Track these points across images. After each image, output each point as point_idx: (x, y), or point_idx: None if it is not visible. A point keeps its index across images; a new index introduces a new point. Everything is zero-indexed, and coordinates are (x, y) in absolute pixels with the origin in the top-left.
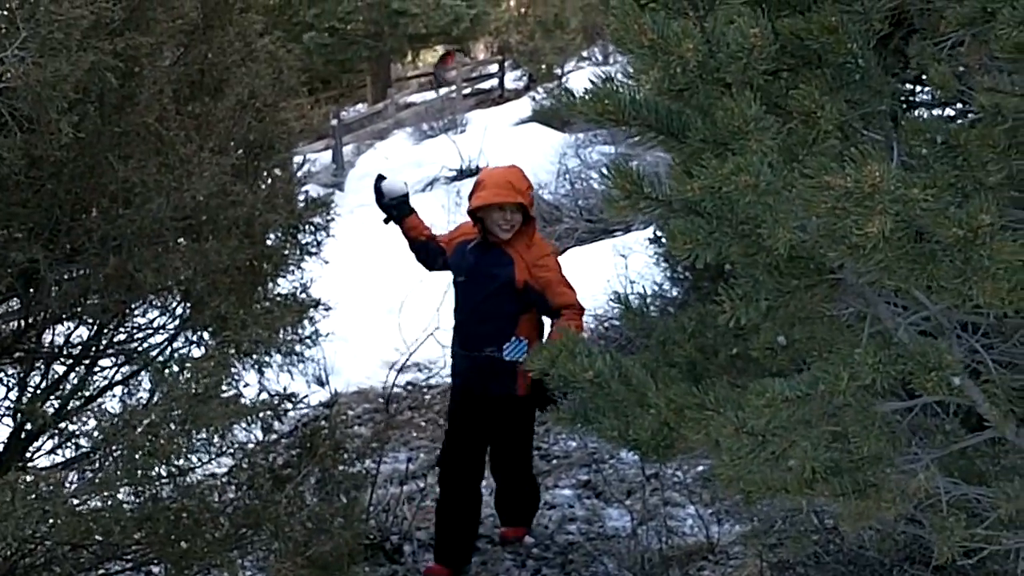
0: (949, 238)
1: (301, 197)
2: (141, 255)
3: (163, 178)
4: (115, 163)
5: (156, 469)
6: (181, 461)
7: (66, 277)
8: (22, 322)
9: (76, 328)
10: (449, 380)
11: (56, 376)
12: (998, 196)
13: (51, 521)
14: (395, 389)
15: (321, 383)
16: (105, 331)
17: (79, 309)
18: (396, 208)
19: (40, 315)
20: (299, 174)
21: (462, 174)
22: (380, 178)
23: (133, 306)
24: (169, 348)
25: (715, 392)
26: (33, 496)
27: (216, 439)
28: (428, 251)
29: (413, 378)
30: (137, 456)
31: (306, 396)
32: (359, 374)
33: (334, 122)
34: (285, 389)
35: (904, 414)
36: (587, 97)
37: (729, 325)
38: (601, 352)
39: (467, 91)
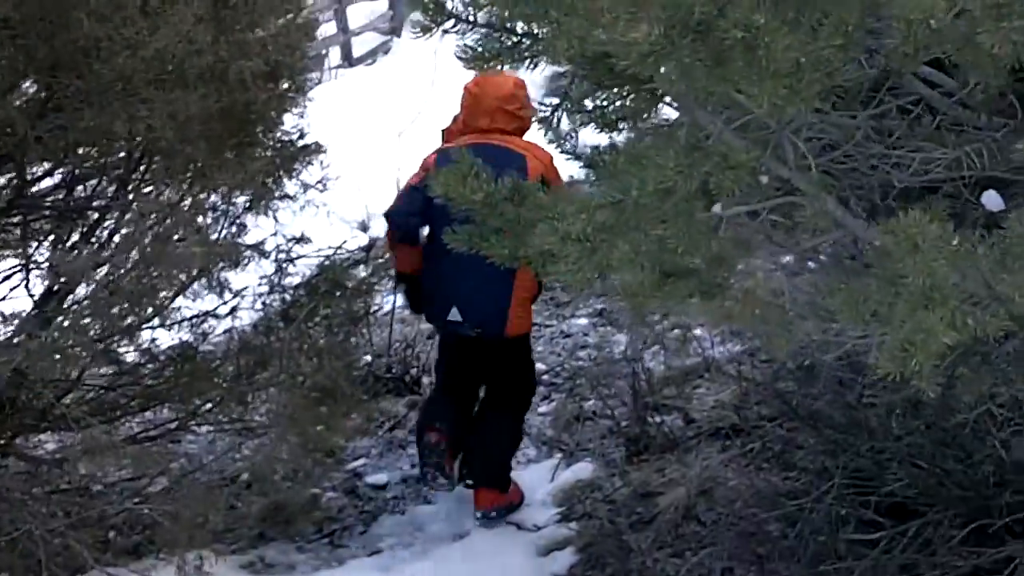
0: (732, 39)
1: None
2: (112, 107)
3: (128, 31)
4: (83, 19)
5: (134, 312)
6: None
7: (47, 132)
8: (15, 180)
9: (99, 184)
10: None
11: (85, 228)
12: None
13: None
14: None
15: (364, 228)
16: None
17: (65, 160)
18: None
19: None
20: (306, 19)
21: None
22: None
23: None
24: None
25: (560, 203)
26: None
27: (198, 281)
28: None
29: None
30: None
31: (344, 241)
32: None
33: None
34: (301, 233)
35: (753, 217)
36: None
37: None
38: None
39: None
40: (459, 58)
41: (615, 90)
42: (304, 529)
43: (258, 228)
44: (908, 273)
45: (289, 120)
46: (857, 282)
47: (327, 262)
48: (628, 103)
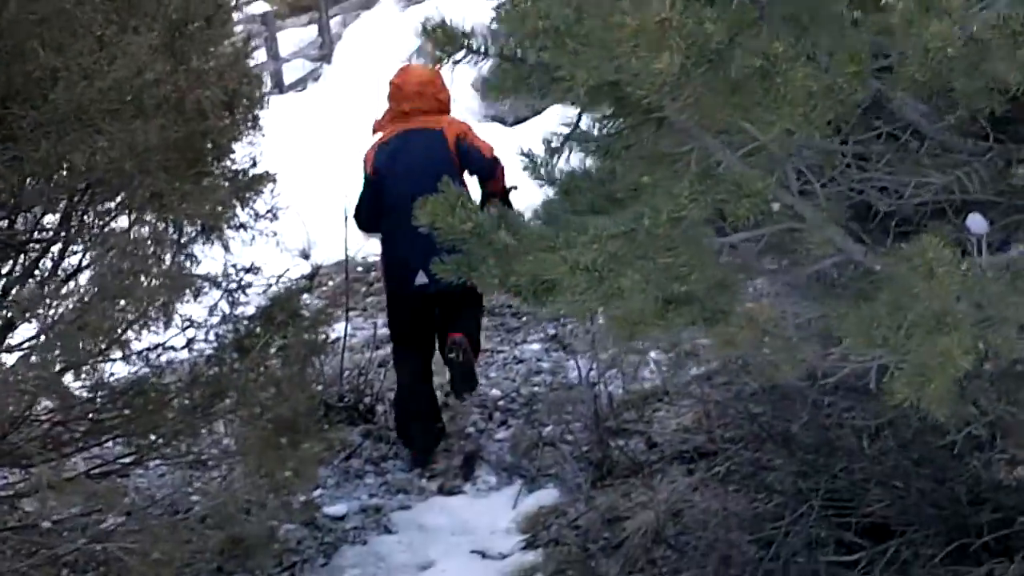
0: (749, 68)
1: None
2: (70, 139)
3: (84, 61)
4: (38, 49)
5: (96, 345)
6: (135, 341)
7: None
8: None
9: (44, 215)
10: None
11: (29, 261)
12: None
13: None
14: (370, 258)
15: (305, 256)
16: (74, 214)
17: (18, 196)
18: None
19: None
20: (249, 49)
21: None
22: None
23: (98, 190)
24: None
25: (565, 232)
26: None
27: (159, 313)
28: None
29: None
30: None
31: (287, 270)
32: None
33: None
34: (252, 263)
35: (756, 243)
36: None
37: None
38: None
39: None
40: (476, 89)
41: (621, 120)
42: (264, 562)
43: (207, 258)
44: (923, 298)
45: (240, 149)
46: (866, 307)
47: (274, 291)
48: (633, 132)
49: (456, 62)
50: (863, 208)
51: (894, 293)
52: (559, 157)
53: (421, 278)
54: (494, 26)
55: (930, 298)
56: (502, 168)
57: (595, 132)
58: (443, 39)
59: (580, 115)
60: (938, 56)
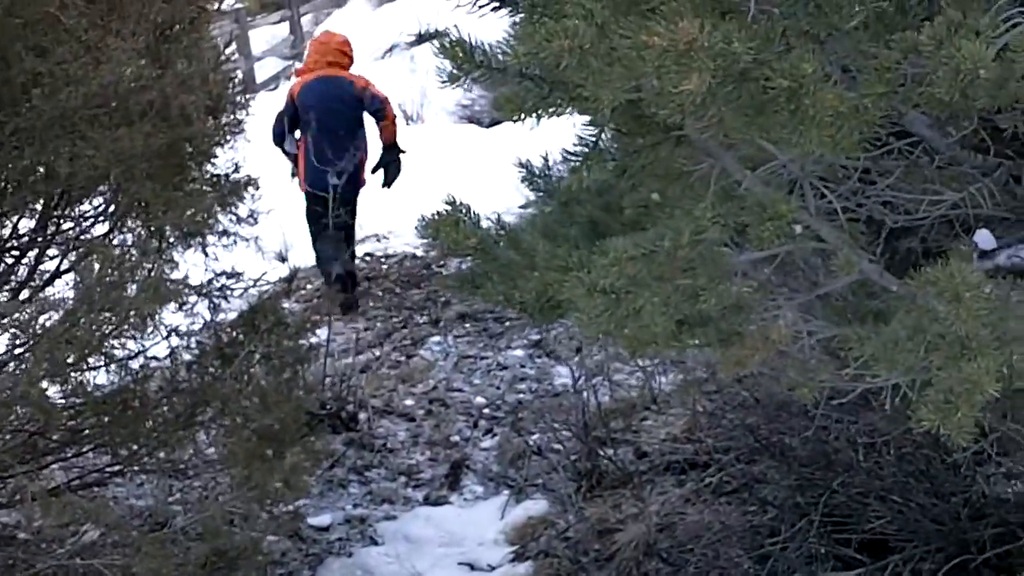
0: (777, 89)
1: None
2: (54, 146)
3: (69, 67)
4: (22, 54)
5: (85, 359)
6: (116, 350)
7: None
8: None
9: (19, 219)
10: (405, 249)
11: (4, 267)
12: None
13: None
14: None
15: (282, 259)
16: (51, 220)
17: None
18: None
19: None
20: (230, 51)
21: (421, 39)
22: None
23: (75, 195)
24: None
25: (578, 253)
26: None
27: (146, 323)
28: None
29: (372, 248)
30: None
31: (265, 273)
32: None
33: None
34: (232, 268)
35: (770, 262)
36: None
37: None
38: (486, 218)
39: None
40: (496, 109)
41: (640, 139)
42: (248, 575)
43: (186, 264)
44: (947, 323)
45: (222, 153)
46: (887, 330)
47: (254, 296)
48: (652, 150)
49: (475, 80)
50: (872, 225)
51: (914, 316)
52: (579, 176)
53: (333, 178)
54: (512, 43)
55: (956, 322)
56: (392, 113)
57: (612, 150)
58: (461, 58)
59: (600, 133)
60: (969, 76)
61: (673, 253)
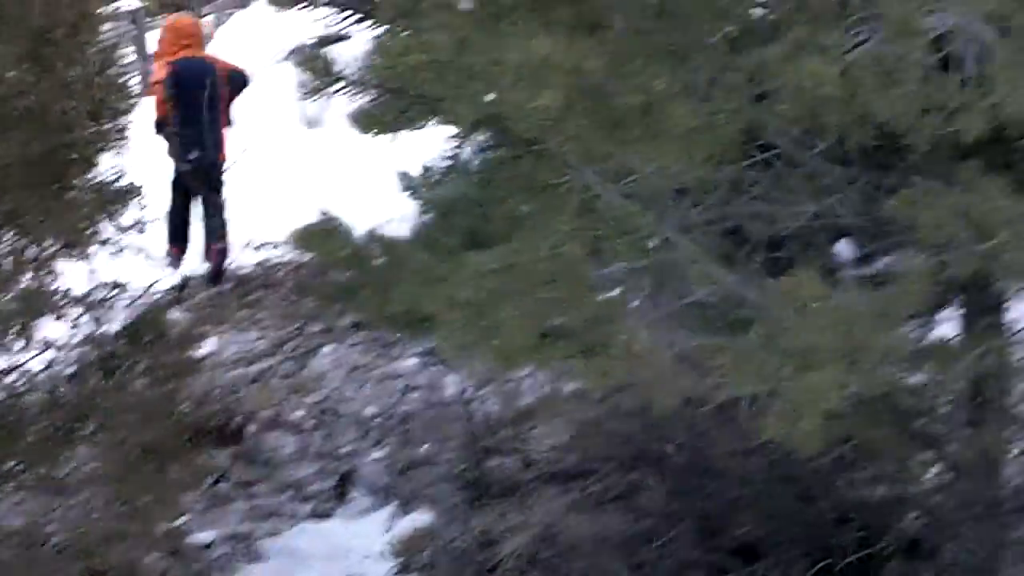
0: (631, 104)
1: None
2: None
3: None
4: None
5: None
6: None
7: None
8: None
9: None
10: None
11: None
12: (683, 62)
13: None
14: (245, 269)
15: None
16: None
17: None
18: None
19: None
20: (122, 53)
21: (323, 42)
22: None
23: None
24: None
25: (449, 263)
26: None
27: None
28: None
29: (267, 256)
30: None
31: (155, 282)
32: None
33: None
34: (116, 280)
35: (633, 275)
36: None
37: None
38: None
39: None
40: (354, 123)
41: (502, 151)
42: None
43: (70, 273)
44: (795, 333)
45: (105, 160)
46: (741, 340)
47: (140, 307)
48: (513, 162)
49: (334, 93)
50: (736, 235)
51: (767, 326)
52: (440, 186)
53: (195, 153)
54: (371, 57)
55: (802, 332)
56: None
57: (475, 161)
58: (321, 71)
59: (460, 145)
60: (813, 93)
61: (532, 267)
